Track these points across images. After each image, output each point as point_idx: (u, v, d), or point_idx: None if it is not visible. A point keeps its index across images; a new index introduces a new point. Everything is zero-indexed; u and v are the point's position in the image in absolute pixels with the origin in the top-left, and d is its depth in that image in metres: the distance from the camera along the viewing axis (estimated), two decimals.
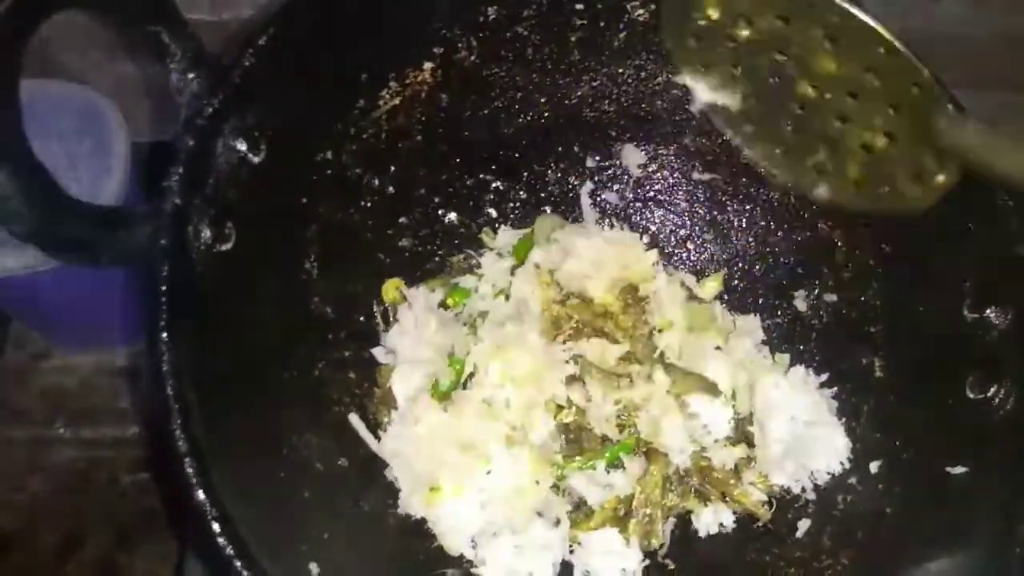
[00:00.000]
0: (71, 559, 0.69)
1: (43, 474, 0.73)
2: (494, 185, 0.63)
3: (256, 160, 0.46)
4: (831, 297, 0.59)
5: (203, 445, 0.39)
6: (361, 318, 0.58)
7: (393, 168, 0.58)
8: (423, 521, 0.52)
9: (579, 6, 0.56)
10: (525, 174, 0.63)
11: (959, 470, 0.47)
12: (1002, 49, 0.78)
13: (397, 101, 0.56)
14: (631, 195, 0.64)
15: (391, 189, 0.58)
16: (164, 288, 0.40)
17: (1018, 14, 0.75)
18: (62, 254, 0.37)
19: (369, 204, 0.57)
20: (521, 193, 0.63)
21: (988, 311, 0.49)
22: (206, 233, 0.43)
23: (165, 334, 0.39)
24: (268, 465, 0.46)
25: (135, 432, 0.74)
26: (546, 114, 0.61)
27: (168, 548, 0.69)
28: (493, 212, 0.63)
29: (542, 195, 0.64)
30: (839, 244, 0.58)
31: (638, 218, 0.65)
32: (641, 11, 0.56)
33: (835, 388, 0.57)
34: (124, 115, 0.67)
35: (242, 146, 0.45)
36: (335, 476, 0.50)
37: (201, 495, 0.37)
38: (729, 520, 0.55)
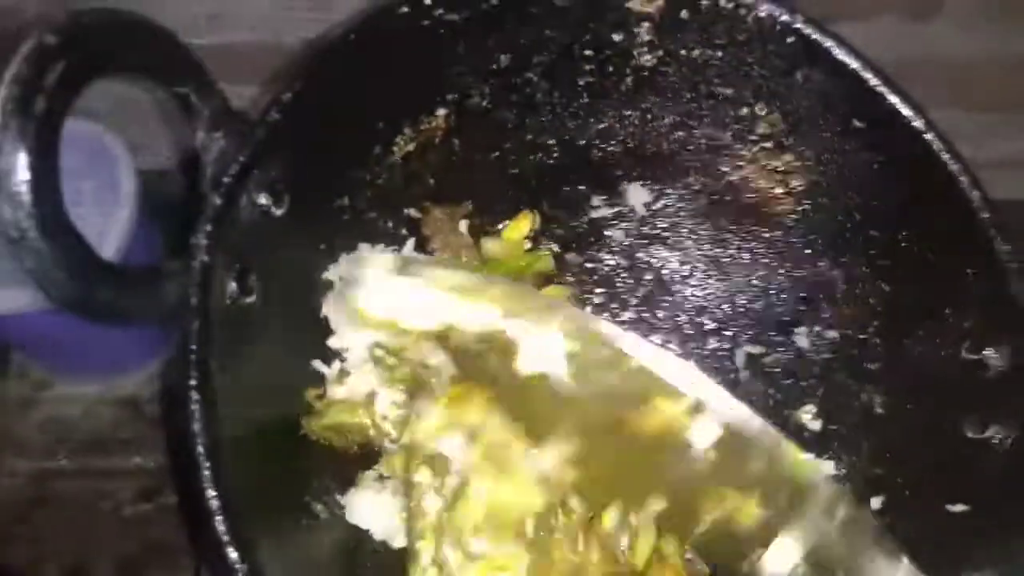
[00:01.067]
0: None
1: (46, 506, 0.73)
2: (501, 224, 0.64)
3: (279, 213, 0.47)
4: (832, 334, 0.60)
5: (233, 500, 0.40)
6: None
7: (406, 211, 0.59)
8: None
9: (588, 52, 0.57)
10: (533, 212, 0.64)
11: (959, 508, 0.49)
12: (994, 70, 0.80)
13: (411, 147, 0.57)
14: (636, 232, 0.66)
15: (404, 231, 0.59)
16: (195, 347, 0.40)
17: (1010, 36, 0.77)
18: (98, 318, 0.38)
19: (381, 247, 0.58)
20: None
21: (986, 352, 0.50)
22: (231, 288, 0.44)
23: (196, 393, 0.40)
24: (292, 513, 0.47)
25: (139, 462, 0.75)
26: (554, 155, 0.62)
27: None
28: None
29: (550, 232, 0.65)
30: (840, 282, 0.59)
31: (642, 254, 0.66)
32: (648, 57, 0.57)
33: (836, 424, 0.59)
34: (127, 144, 0.68)
35: (266, 200, 0.46)
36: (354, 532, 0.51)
37: (234, 553, 0.38)
38: None
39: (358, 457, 0.54)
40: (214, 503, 0.39)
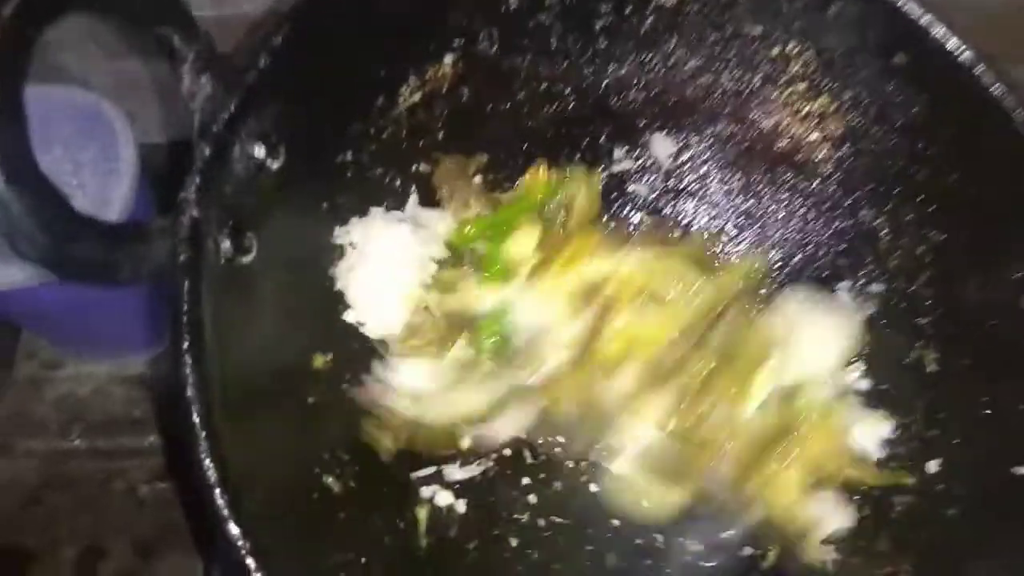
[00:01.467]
0: (92, 574, 0.68)
1: (60, 487, 0.71)
2: (519, 180, 0.60)
3: (275, 166, 0.44)
4: (877, 287, 0.56)
5: (232, 471, 0.37)
6: None
7: (414, 167, 0.56)
8: (458, 543, 0.50)
9: None
10: (550, 168, 0.61)
11: None
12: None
13: (417, 97, 0.53)
14: (661, 186, 0.62)
15: (413, 188, 0.56)
16: (186, 307, 0.37)
17: None
18: (77, 276, 0.35)
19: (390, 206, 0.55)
20: None
21: None
22: (226, 245, 0.41)
23: (189, 357, 0.37)
24: (299, 487, 0.44)
25: (152, 441, 0.73)
26: (571, 105, 0.59)
27: (192, 560, 0.67)
28: None
29: None
30: (883, 232, 0.55)
31: (669, 210, 0.62)
32: None
33: (886, 384, 0.55)
34: (126, 115, 0.65)
35: (260, 152, 0.43)
36: (368, 494, 0.48)
37: (234, 528, 0.35)
38: None
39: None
40: (212, 475, 0.36)
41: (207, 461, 0.36)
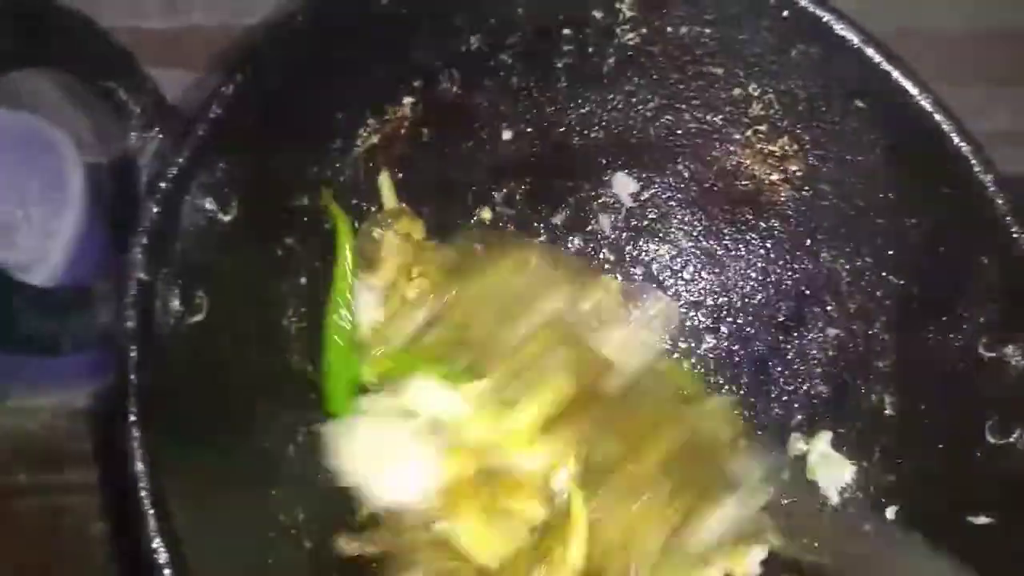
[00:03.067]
0: None
1: (5, 525, 0.68)
2: (478, 219, 0.60)
3: (227, 219, 0.42)
4: (836, 330, 0.56)
5: (186, 550, 0.35)
6: None
7: (373, 210, 0.54)
8: None
9: (566, 32, 0.53)
10: (509, 208, 0.60)
11: (982, 520, 0.46)
12: (979, 43, 0.78)
13: (375, 139, 0.52)
14: (623, 225, 0.61)
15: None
16: (133, 377, 0.36)
17: (993, 8, 0.76)
18: (18, 351, 0.33)
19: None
20: (509, 227, 0.60)
21: (1006, 349, 0.47)
22: (175, 305, 0.40)
23: (136, 430, 0.35)
24: (259, 557, 0.43)
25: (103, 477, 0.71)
26: (533, 144, 0.58)
27: None
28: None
29: (529, 227, 0.61)
30: (843, 275, 0.55)
31: (630, 248, 0.62)
32: (631, 35, 0.53)
33: (843, 428, 0.55)
34: (72, 138, 0.63)
35: (211, 205, 0.41)
36: (328, 549, 0.47)
37: None
38: None
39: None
40: (164, 557, 0.35)
41: (158, 542, 0.34)
